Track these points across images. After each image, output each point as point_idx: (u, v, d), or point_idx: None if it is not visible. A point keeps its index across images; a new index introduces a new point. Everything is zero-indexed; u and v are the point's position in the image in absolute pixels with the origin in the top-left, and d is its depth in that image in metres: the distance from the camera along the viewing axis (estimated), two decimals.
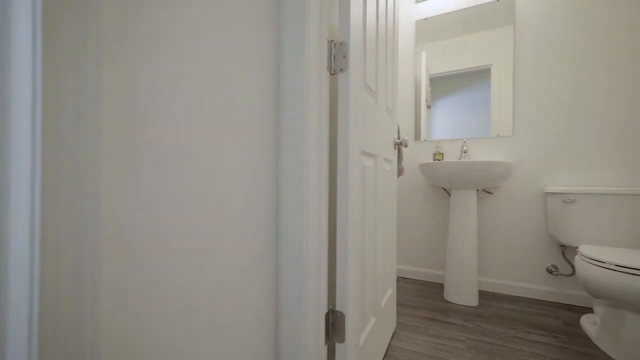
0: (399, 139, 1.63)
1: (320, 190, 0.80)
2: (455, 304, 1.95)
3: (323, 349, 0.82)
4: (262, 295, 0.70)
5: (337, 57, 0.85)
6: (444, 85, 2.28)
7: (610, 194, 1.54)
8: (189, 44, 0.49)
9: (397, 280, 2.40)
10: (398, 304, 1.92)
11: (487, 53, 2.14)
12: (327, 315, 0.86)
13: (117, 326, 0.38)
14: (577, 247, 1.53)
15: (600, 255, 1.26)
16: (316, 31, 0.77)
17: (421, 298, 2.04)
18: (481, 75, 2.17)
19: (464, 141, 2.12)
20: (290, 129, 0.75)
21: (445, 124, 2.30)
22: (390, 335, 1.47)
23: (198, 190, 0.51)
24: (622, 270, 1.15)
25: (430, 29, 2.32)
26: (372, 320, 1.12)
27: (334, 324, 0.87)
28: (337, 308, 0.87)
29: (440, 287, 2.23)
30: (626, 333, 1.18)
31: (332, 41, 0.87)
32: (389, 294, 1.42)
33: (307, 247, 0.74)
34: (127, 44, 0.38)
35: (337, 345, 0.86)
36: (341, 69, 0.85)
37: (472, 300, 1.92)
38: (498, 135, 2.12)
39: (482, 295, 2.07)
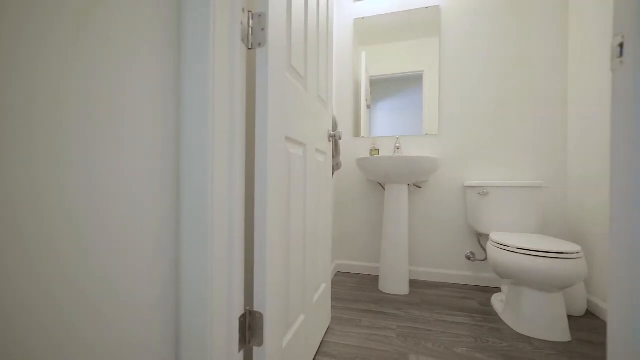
0: (333, 131, 1.61)
1: (232, 181, 0.70)
2: (388, 294, 2.02)
3: (237, 356, 0.73)
4: (159, 299, 0.58)
5: (255, 29, 0.77)
6: (383, 87, 2.36)
7: (516, 187, 1.75)
8: None
9: (336, 275, 2.40)
10: (335, 299, 1.92)
11: (419, 60, 2.28)
12: (243, 317, 0.77)
13: None
14: (489, 234, 1.71)
15: (505, 240, 1.41)
16: None
17: (358, 291, 2.06)
18: (415, 79, 2.31)
19: (397, 138, 2.22)
20: (191, 109, 0.64)
21: (384, 123, 2.39)
22: (324, 331, 1.44)
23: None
24: (521, 252, 1.30)
25: (369, 31, 2.38)
26: (300, 318, 1.06)
27: (251, 327, 0.78)
28: (256, 309, 0.79)
29: (377, 279, 2.31)
30: (523, 306, 1.33)
31: (249, 11, 0.78)
32: (322, 289, 1.38)
33: (212, 246, 0.64)
34: None
35: (255, 350, 0.78)
36: (259, 44, 0.77)
37: (403, 289, 2.01)
38: (427, 134, 2.27)
39: (413, 283, 2.20)
